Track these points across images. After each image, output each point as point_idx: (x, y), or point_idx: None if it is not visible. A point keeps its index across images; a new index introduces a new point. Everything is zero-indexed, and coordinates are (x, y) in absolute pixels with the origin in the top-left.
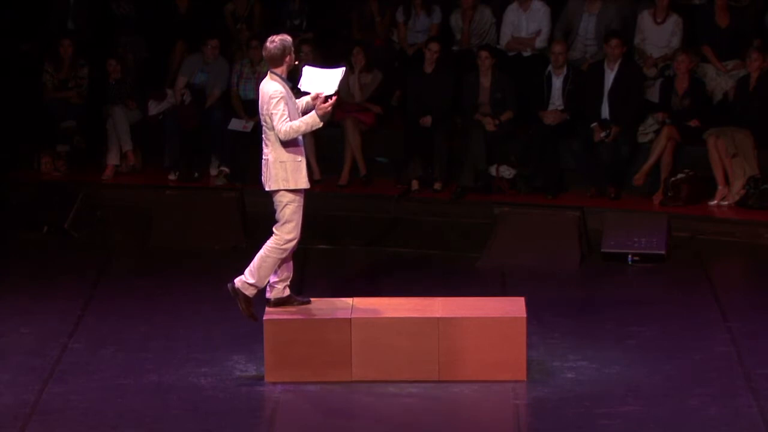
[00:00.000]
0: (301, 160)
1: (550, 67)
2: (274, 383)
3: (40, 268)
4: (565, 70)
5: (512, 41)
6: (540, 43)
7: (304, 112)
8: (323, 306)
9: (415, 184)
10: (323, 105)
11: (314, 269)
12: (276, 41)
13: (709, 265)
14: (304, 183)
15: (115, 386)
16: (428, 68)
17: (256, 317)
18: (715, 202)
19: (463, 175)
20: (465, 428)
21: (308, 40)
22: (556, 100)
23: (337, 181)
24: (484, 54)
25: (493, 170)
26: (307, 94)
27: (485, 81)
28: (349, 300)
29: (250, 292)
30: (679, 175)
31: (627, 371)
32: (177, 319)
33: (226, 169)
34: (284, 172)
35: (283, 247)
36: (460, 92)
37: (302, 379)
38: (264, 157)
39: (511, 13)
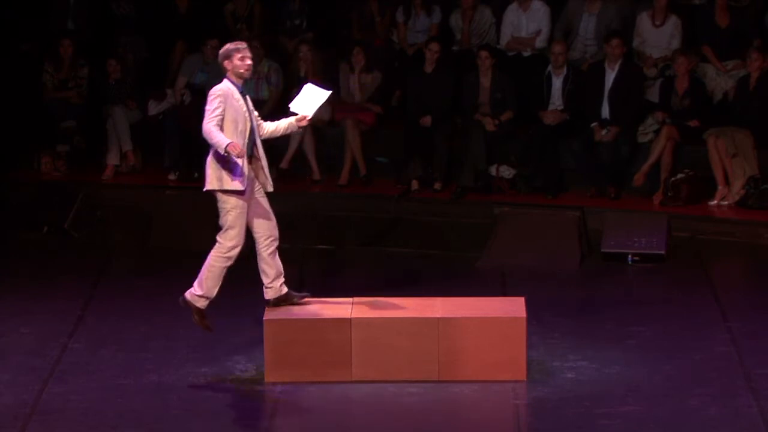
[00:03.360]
0: (236, 163)
1: (550, 67)
2: (274, 383)
3: (40, 268)
4: (565, 70)
5: (512, 41)
6: (540, 43)
7: (286, 132)
8: (323, 306)
9: (415, 184)
10: (237, 145)
11: (314, 269)
12: (223, 47)
13: (709, 265)
14: (240, 185)
15: (115, 386)
16: (428, 68)
17: (211, 328)
18: (715, 202)
19: (463, 175)
20: (465, 428)
21: (308, 40)
22: (556, 100)
23: (337, 181)
24: (484, 54)
25: (493, 170)
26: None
27: (485, 81)
28: (349, 300)
29: (201, 303)
30: (679, 175)
31: (627, 371)
32: (177, 319)
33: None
34: (218, 172)
35: (227, 255)
36: (460, 92)
37: (302, 379)
38: (208, 156)
39: (511, 13)
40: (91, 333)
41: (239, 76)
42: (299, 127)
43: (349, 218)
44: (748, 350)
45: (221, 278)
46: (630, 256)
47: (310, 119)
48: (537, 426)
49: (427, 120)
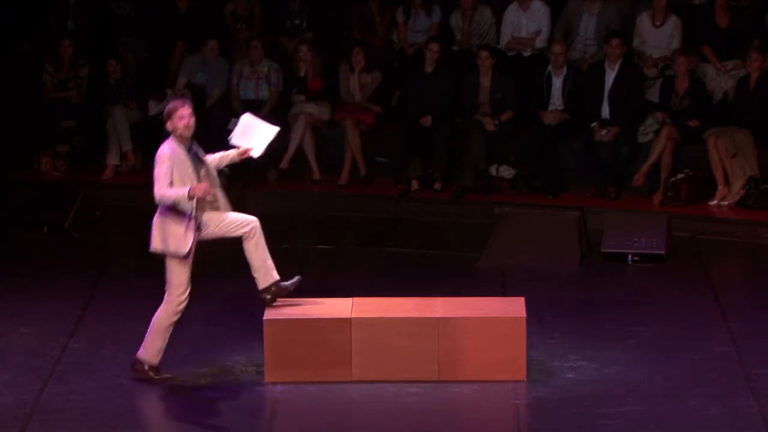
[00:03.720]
0: (179, 227)
1: (550, 67)
2: (274, 383)
3: (40, 268)
4: (564, 70)
5: (512, 41)
6: (540, 43)
7: (230, 165)
8: (323, 306)
9: (415, 184)
10: (200, 186)
11: (314, 269)
12: (167, 108)
13: (709, 265)
14: (182, 249)
15: (115, 386)
16: (428, 68)
17: (166, 378)
18: (715, 202)
19: (463, 175)
20: (465, 428)
21: (308, 40)
22: (556, 100)
23: (337, 181)
24: (484, 54)
25: (493, 170)
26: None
27: (485, 81)
28: (349, 300)
29: (152, 361)
30: (679, 175)
31: (627, 371)
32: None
33: (226, 170)
34: (163, 233)
35: (177, 309)
36: (460, 92)
37: (302, 379)
38: (155, 217)
39: (511, 13)
40: (91, 333)
41: (180, 135)
42: (240, 160)
43: (349, 218)
44: (748, 350)
45: (169, 330)
46: (630, 256)
47: (257, 157)
48: (537, 426)
49: (427, 120)
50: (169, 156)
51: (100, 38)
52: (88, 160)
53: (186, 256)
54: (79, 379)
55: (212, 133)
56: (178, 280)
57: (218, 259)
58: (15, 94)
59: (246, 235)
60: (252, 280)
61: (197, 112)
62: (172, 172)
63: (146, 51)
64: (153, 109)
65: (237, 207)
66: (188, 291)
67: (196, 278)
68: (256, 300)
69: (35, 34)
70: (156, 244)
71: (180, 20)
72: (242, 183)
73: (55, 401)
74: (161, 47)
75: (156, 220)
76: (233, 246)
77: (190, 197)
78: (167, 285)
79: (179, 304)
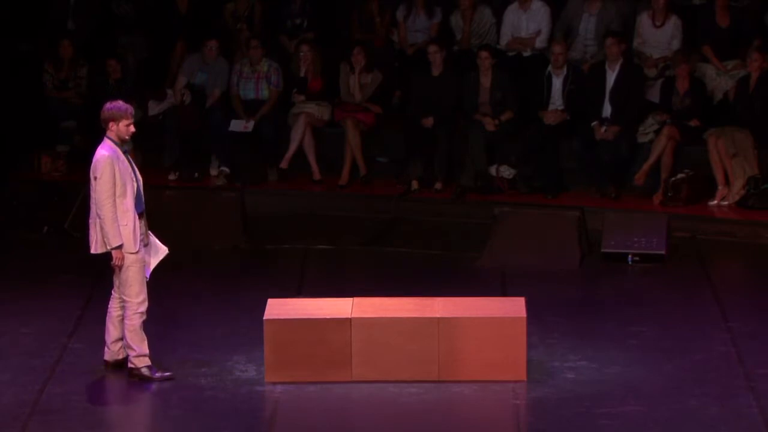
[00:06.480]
0: (127, 225)
1: (549, 67)
2: (274, 383)
3: (40, 268)
4: (564, 70)
5: (512, 41)
6: (540, 43)
7: None
8: (323, 306)
9: (415, 184)
10: (120, 257)
11: (314, 269)
12: (110, 107)
13: (709, 265)
14: (129, 247)
15: (115, 386)
16: (436, 71)
17: (165, 377)
18: (715, 202)
19: (463, 175)
20: (465, 428)
21: (308, 40)
22: (556, 100)
23: (337, 181)
24: (484, 54)
25: (493, 170)
26: None
27: (485, 81)
28: (349, 300)
29: (144, 362)
30: (679, 175)
31: (627, 371)
32: (177, 319)
33: (226, 170)
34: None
35: (140, 311)
36: (460, 92)
37: (302, 379)
38: (91, 218)
39: (511, 13)
40: (91, 333)
41: (119, 138)
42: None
43: (349, 218)
44: (748, 350)
45: (143, 332)
46: (630, 256)
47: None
48: (537, 426)
49: (429, 121)
50: (110, 161)
51: (100, 38)
52: (88, 160)
53: (137, 252)
54: (79, 379)
55: (213, 132)
56: (133, 279)
57: (216, 259)
58: (15, 94)
59: (145, 307)
60: (252, 280)
61: (197, 112)
62: (114, 175)
63: (146, 51)
64: (153, 109)
65: (236, 207)
66: (145, 290)
67: (198, 279)
68: (255, 300)
69: (35, 34)
70: (102, 246)
71: (180, 20)
72: (242, 183)
73: (55, 401)
74: (161, 47)
75: (94, 221)
76: (232, 245)
77: (111, 248)
78: (121, 286)
79: (140, 305)
